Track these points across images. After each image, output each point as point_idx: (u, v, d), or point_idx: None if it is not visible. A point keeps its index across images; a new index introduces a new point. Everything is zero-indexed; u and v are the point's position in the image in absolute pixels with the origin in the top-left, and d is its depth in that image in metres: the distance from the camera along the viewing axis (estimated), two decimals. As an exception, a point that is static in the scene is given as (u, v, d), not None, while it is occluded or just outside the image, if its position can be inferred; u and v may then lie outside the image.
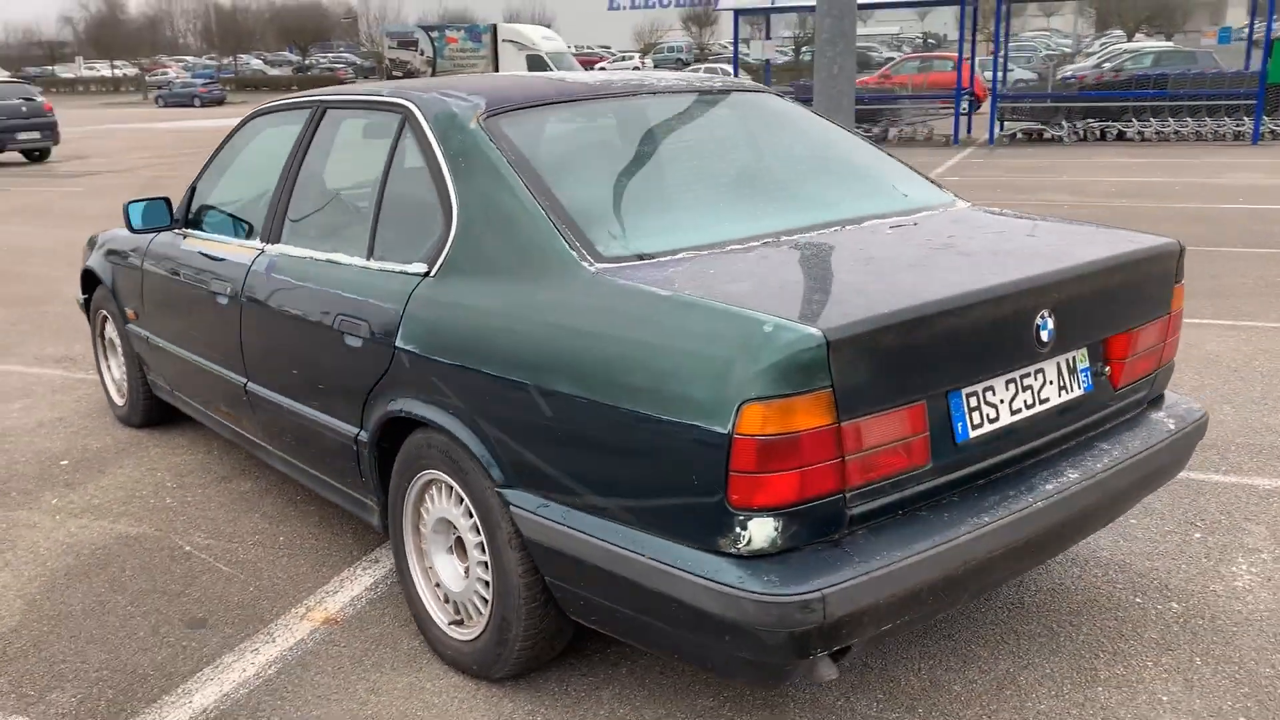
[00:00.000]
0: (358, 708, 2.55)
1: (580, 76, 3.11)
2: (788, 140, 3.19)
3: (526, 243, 2.40)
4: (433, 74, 31.22)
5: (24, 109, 19.00)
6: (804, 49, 30.72)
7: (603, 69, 48.71)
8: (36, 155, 19.62)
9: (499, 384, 2.33)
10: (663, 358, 2.02)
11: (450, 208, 2.60)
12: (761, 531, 1.94)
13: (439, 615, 2.71)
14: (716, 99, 3.22)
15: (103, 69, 72.71)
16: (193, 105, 48.05)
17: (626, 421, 2.05)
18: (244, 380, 3.36)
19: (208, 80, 54.29)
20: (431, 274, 2.60)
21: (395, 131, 2.88)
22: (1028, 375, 2.33)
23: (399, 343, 2.60)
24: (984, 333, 2.18)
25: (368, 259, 2.83)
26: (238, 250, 3.42)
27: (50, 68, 74.84)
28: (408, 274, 2.67)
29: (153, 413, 4.48)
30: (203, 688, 2.65)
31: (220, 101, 48.67)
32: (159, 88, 53.99)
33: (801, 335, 1.89)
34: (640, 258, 2.33)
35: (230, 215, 3.63)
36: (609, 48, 64.87)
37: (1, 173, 17.57)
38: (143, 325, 4.17)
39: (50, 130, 19.41)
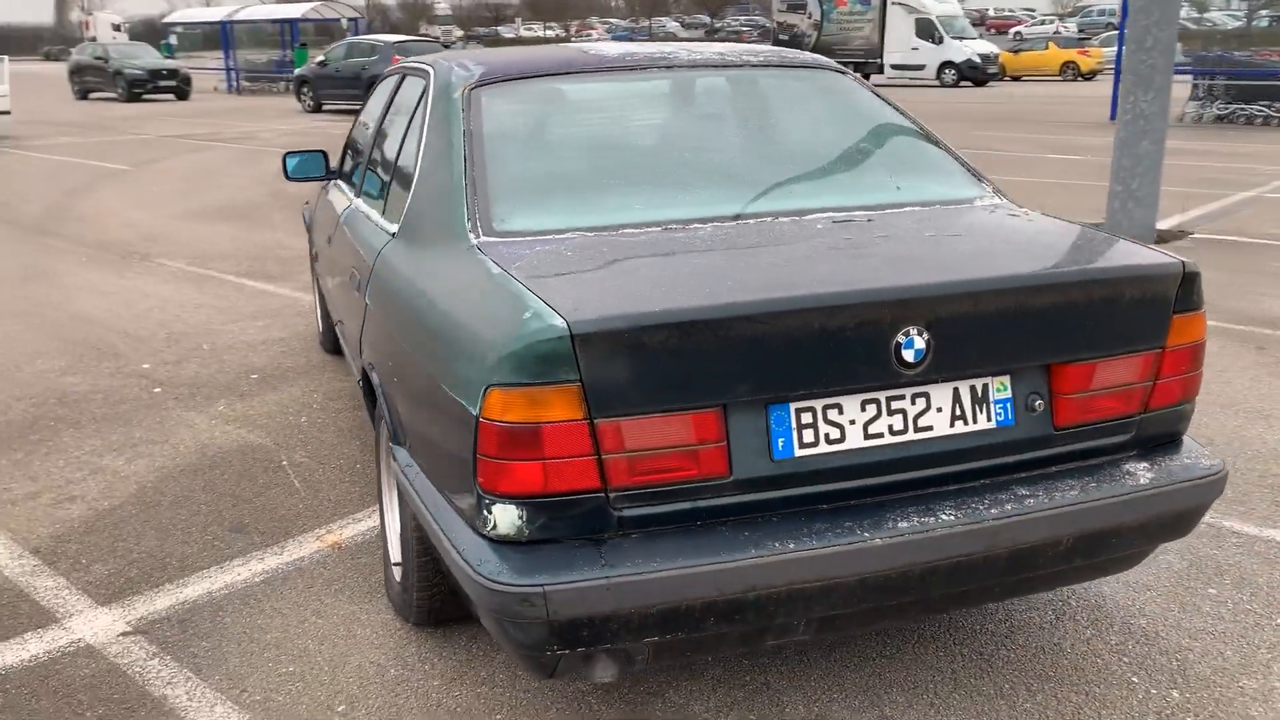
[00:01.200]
0: (295, 625, 2.80)
1: (609, 48, 3.09)
2: (794, 124, 3.00)
3: (443, 211, 2.48)
4: (817, 39, 31.01)
5: (433, 66, 21.31)
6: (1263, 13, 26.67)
7: (1018, 34, 45.17)
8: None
9: (390, 344, 2.45)
10: (463, 332, 2.04)
11: (418, 172, 2.73)
12: (505, 518, 1.92)
13: (392, 558, 2.89)
14: (743, 75, 3.08)
15: (538, 30, 79.26)
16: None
17: (435, 390, 2.10)
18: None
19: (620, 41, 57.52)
20: (394, 235, 2.75)
21: (418, 97, 3.04)
22: (898, 398, 2.07)
23: (365, 298, 2.79)
24: (815, 345, 1.96)
25: (382, 215, 3.03)
26: (341, 200, 3.77)
27: (495, 28, 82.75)
28: (385, 233, 2.84)
29: (337, 342, 5.03)
30: (197, 583, 3.02)
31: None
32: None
33: (545, 326, 1.83)
34: (522, 235, 2.33)
35: (351, 169, 3.99)
36: (1032, 11, 60.84)
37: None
38: (317, 263, 4.69)
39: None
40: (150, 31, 49.91)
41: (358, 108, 4.75)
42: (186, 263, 7.49)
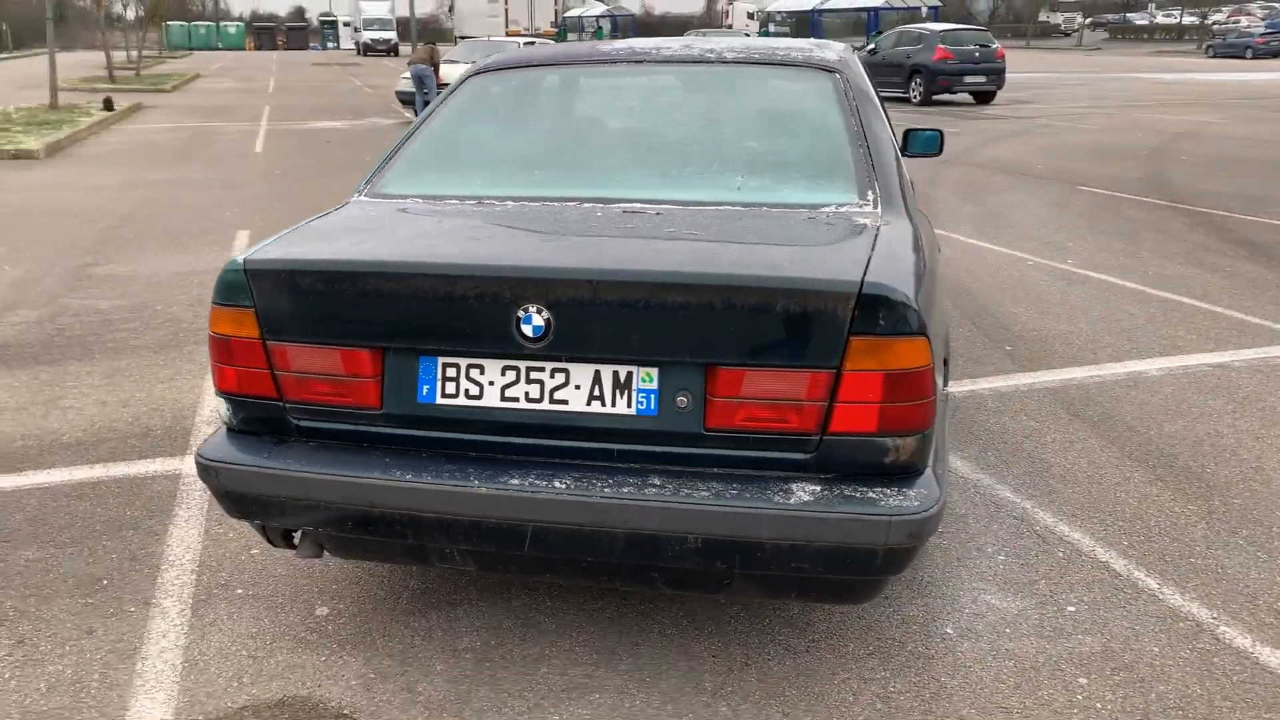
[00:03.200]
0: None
1: (622, 44, 3.37)
2: (726, 121, 3.07)
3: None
4: None
5: (977, 54, 20.93)
6: None
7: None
8: (982, 97, 21.51)
9: None
10: None
11: None
12: (222, 409, 2.47)
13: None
14: (723, 72, 3.18)
15: (1175, 15, 72.11)
16: (1243, 57, 45.35)
17: None
18: None
19: (1273, 31, 50.15)
20: None
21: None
22: (538, 369, 2.25)
23: None
24: (450, 308, 2.22)
25: None
26: None
27: (1125, 14, 76.76)
28: None
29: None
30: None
31: (1276, 54, 44.94)
32: (1214, 36, 51.99)
33: (233, 261, 2.36)
34: (390, 197, 2.82)
35: None
36: None
37: (949, 111, 19.80)
38: None
39: (997, 75, 21.10)
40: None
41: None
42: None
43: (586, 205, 2.67)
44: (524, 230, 2.51)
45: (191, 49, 67.26)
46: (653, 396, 2.21)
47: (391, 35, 59.90)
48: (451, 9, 67.70)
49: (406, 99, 17.94)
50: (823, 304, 2.10)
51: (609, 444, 2.25)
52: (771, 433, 2.19)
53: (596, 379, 2.23)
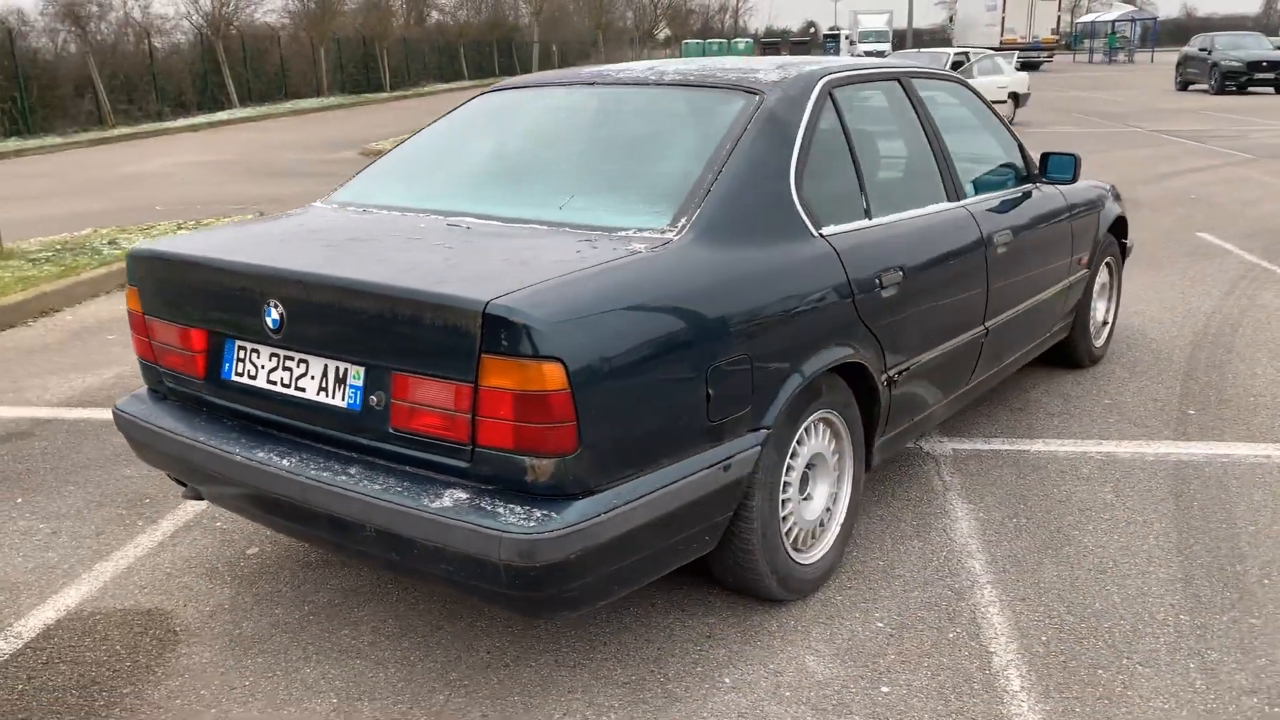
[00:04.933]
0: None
1: (609, 68, 3.49)
2: (611, 141, 3.12)
3: None
4: None
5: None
6: None
7: None
8: None
9: None
10: None
11: None
12: (139, 370, 3.05)
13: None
14: (640, 94, 3.23)
15: None
16: None
17: None
18: None
19: None
20: None
21: None
22: (291, 359, 2.55)
23: None
24: (233, 301, 2.60)
25: None
26: None
27: None
28: None
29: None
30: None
31: None
32: None
33: (132, 248, 2.91)
34: (334, 203, 3.24)
35: None
36: None
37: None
38: None
39: None
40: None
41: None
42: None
43: (430, 216, 2.89)
44: (329, 235, 2.81)
45: (703, 63, 72.48)
46: (358, 393, 2.43)
47: (886, 47, 60.04)
48: (952, 19, 66.45)
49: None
50: (457, 320, 2.19)
51: (331, 431, 2.51)
52: (438, 439, 2.31)
53: (325, 371, 2.49)
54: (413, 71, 40.53)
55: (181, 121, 23.47)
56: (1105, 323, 5.16)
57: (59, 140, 19.82)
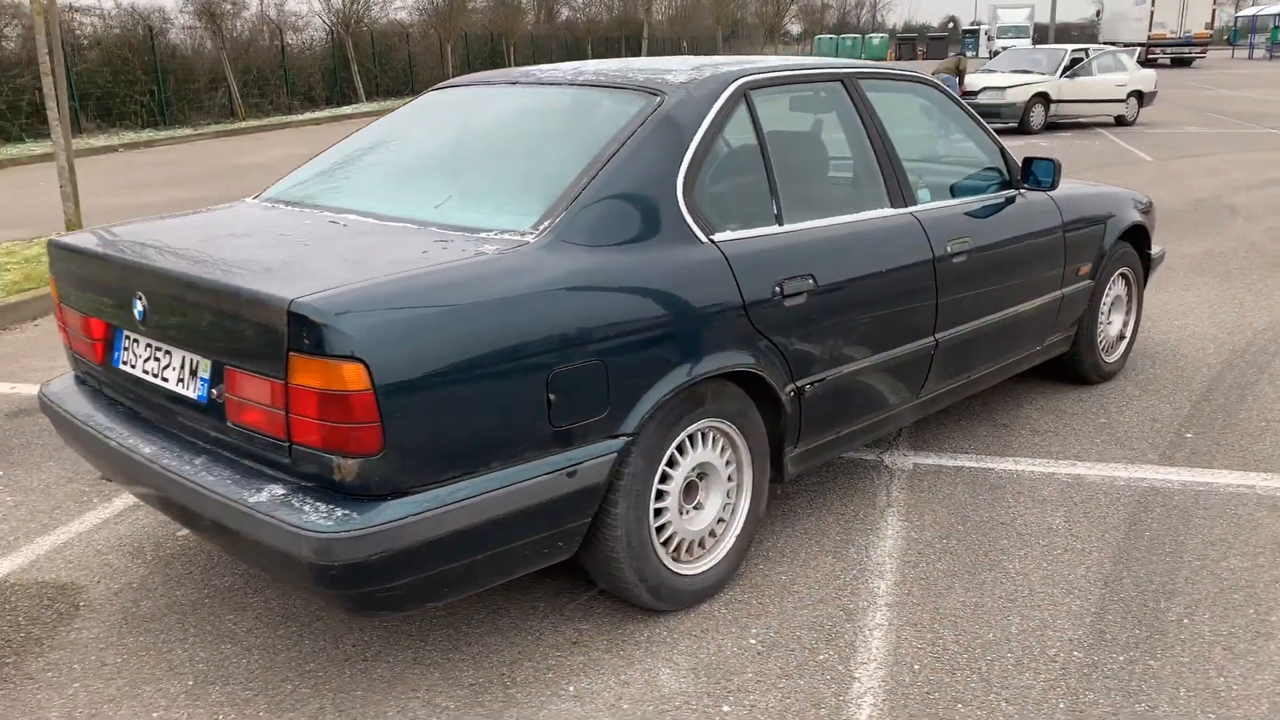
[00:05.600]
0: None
1: (538, 68, 3.48)
2: (509, 140, 3.11)
3: None
4: None
5: None
6: None
7: None
8: None
9: None
10: None
11: None
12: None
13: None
14: (551, 94, 3.22)
15: None
16: None
17: None
18: None
19: None
20: None
21: None
22: (159, 349, 2.63)
23: None
24: (111, 291, 2.71)
25: None
26: None
27: None
28: None
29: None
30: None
31: None
32: None
33: (50, 239, 3.05)
34: (258, 198, 3.33)
35: None
36: None
37: None
38: None
39: None
40: None
41: None
42: None
43: (323, 213, 2.94)
44: (217, 230, 2.89)
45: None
46: (205, 386, 2.50)
47: (1026, 43, 58.02)
48: (1099, 14, 63.75)
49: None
50: (269, 317, 2.22)
51: (187, 421, 2.58)
52: (262, 434, 2.35)
53: (183, 363, 2.57)
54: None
55: (307, 115, 24.41)
56: (1122, 337, 4.89)
57: (189, 132, 20.85)
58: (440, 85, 3.67)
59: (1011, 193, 4.03)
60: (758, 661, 2.67)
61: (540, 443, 2.44)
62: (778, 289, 2.92)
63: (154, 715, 2.49)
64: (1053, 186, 4.02)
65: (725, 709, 2.49)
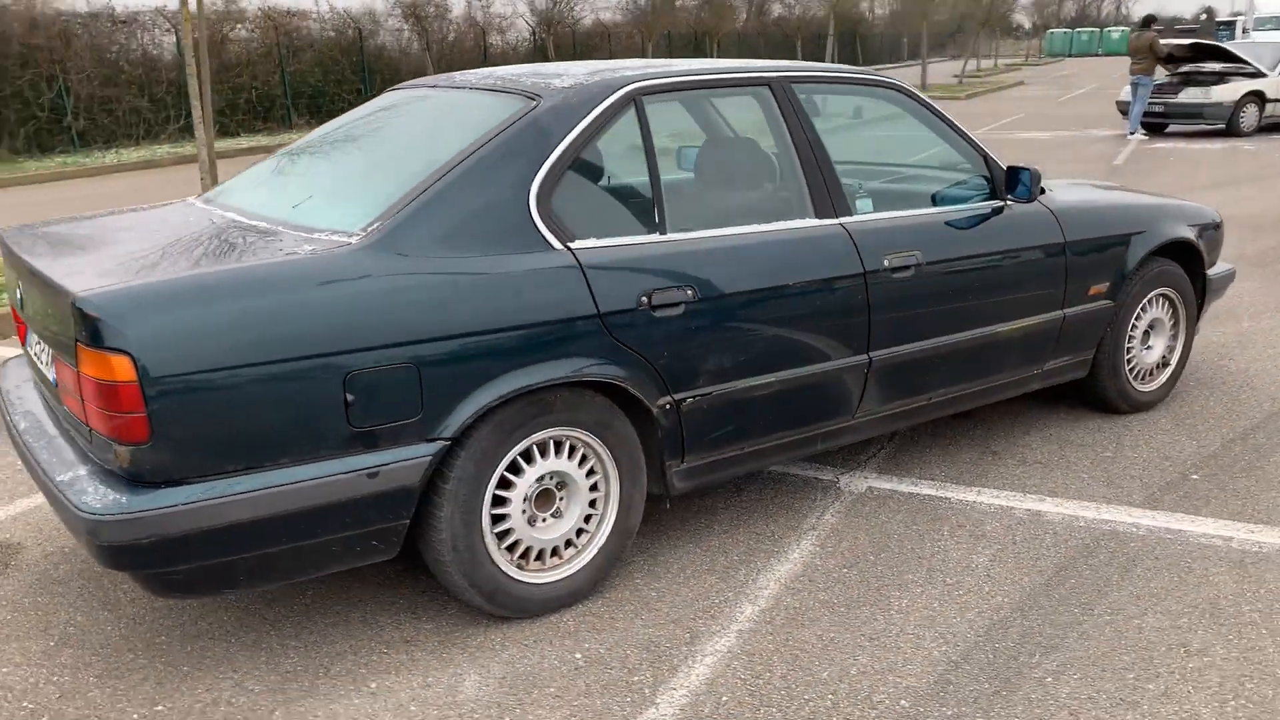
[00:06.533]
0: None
1: (473, 73, 3.51)
2: (392, 141, 3.16)
3: None
4: None
5: None
6: None
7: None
8: None
9: None
10: None
11: None
12: None
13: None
14: (443, 96, 3.25)
15: None
16: None
17: None
18: None
19: None
20: None
21: None
22: (37, 341, 2.85)
23: None
24: (13, 280, 2.95)
25: None
26: None
27: None
28: None
29: None
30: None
31: None
32: None
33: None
34: (201, 199, 3.54)
35: None
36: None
37: None
38: None
39: None
40: None
41: None
42: None
43: (215, 211, 3.09)
44: (118, 227, 3.06)
45: (1070, 55, 67.48)
46: (54, 372, 2.69)
47: (1282, 36, 52.99)
48: (1376, 3, 57.41)
49: (1125, 109, 16.57)
50: (64, 310, 2.37)
51: (53, 401, 2.79)
52: (76, 419, 2.52)
53: (46, 348, 2.77)
54: (744, 66, 41.07)
55: (502, 112, 25.34)
56: (1164, 364, 4.46)
57: (388, 128, 22.08)
58: (396, 86, 3.77)
59: (995, 204, 3.75)
60: (570, 677, 2.63)
61: (338, 443, 2.48)
62: (644, 299, 2.85)
63: (2, 671, 2.70)
64: (1030, 198, 3.72)
65: (506, 721, 2.47)
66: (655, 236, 2.97)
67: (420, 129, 3.22)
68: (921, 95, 3.70)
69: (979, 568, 3.13)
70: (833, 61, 48.85)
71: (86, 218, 3.31)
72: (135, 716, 2.51)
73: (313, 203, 2.92)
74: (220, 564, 2.43)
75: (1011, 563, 3.15)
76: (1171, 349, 4.48)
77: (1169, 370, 4.48)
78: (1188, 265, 4.41)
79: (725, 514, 3.53)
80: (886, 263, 3.33)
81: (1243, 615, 2.84)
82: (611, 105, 2.98)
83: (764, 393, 3.14)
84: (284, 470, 2.44)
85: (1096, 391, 4.28)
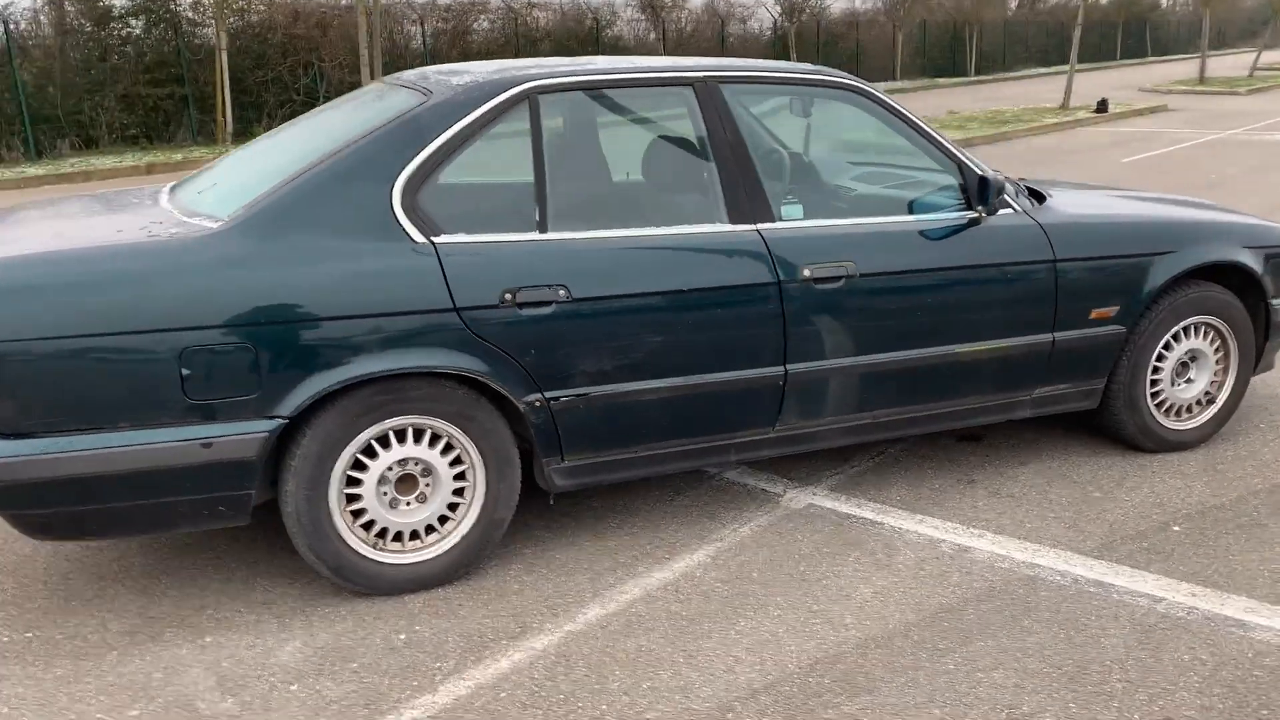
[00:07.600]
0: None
1: (433, 69, 3.61)
2: (318, 136, 3.21)
3: None
4: None
5: None
6: None
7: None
8: None
9: None
10: None
11: None
12: None
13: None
14: (374, 95, 3.37)
15: None
16: None
17: None
18: None
19: None
20: None
21: None
22: None
23: None
24: None
25: None
26: None
27: None
28: None
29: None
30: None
31: None
32: None
33: None
34: (167, 191, 3.80)
35: None
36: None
37: None
38: None
39: None
40: None
41: None
42: None
43: (163, 202, 3.35)
44: (73, 211, 3.36)
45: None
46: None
47: None
48: None
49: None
50: None
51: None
52: None
53: None
54: (1009, 56, 39.04)
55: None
56: (1209, 401, 3.99)
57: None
58: (382, 80, 3.94)
59: (969, 215, 3.49)
60: (380, 655, 2.73)
61: (176, 413, 2.69)
62: (507, 296, 2.89)
63: (-66, 587, 3.11)
64: (990, 211, 3.43)
65: (293, 688, 2.60)
66: (532, 235, 2.99)
67: (335, 124, 3.36)
68: (883, 96, 3.49)
69: (858, 598, 2.96)
70: (1116, 50, 45.51)
71: (59, 200, 3.67)
72: (4, 639, 2.83)
73: (213, 191, 3.14)
74: (72, 512, 2.70)
75: (897, 597, 2.96)
76: (1218, 385, 4.00)
77: (1214, 408, 4.00)
78: (1243, 293, 3.92)
79: (643, 515, 3.50)
80: (808, 273, 3.19)
81: (1107, 685, 2.55)
82: (502, 103, 3.02)
83: (654, 398, 3.10)
84: (121, 434, 2.67)
85: (1112, 426, 3.90)
